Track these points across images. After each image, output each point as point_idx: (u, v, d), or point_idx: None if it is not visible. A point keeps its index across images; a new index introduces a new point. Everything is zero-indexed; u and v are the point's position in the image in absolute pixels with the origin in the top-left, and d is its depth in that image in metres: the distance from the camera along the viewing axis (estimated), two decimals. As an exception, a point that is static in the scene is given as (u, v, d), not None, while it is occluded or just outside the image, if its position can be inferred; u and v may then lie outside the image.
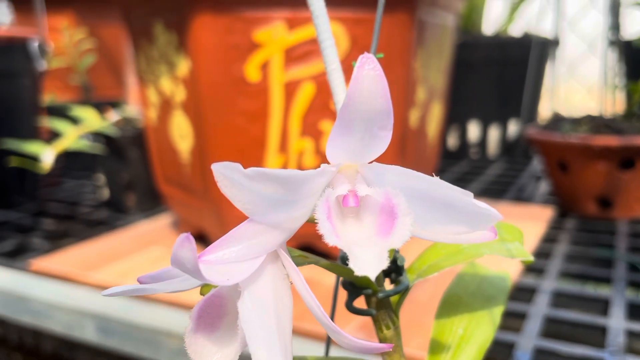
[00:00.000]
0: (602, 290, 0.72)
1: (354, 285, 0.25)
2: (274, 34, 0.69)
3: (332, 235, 0.18)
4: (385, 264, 0.18)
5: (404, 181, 0.20)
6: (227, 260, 0.19)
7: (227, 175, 0.18)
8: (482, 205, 0.19)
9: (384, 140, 0.19)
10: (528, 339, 0.59)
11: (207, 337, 0.20)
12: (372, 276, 0.17)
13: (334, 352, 0.30)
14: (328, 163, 0.21)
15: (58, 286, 0.76)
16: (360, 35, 0.70)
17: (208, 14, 0.68)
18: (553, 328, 0.63)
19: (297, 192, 0.19)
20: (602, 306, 0.68)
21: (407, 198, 0.19)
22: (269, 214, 0.19)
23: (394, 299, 0.26)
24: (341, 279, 0.26)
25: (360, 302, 0.27)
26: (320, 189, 0.20)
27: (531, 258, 0.27)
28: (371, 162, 0.20)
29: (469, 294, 0.29)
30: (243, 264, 0.19)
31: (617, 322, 0.62)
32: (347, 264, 0.21)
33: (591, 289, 0.73)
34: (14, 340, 0.78)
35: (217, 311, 0.21)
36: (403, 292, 0.25)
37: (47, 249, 0.88)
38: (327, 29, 0.24)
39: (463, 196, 0.19)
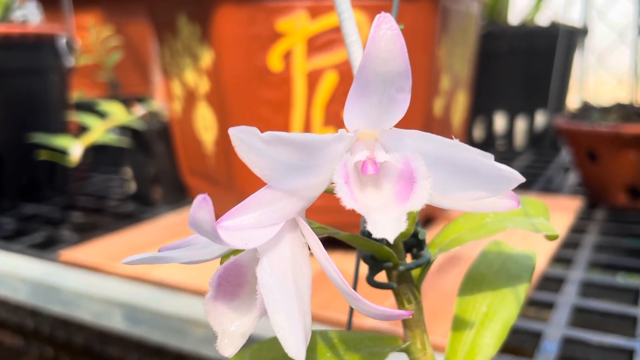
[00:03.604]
0: (632, 280, 0.70)
1: (375, 259, 0.25)
2: (296, 23, 0.69)
3: (349, 199, 0.18)
4: (403, 226, 0.18)
5: (423, 145, 0.20)
6: (245, 226, 0.19)
7: (244, 140, 0.18)
8: (503, 167, 0.19)
9: (402, 104, 0.19)
10: (556, 329, 0.58)
11: (226, 304, 0.20)
12: (391, 239, 0.17)
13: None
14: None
15: (86, 276, 0.77)
16: (383, 23, 0.69)
17: (230, 4, 0.68)
18: (582, 318, 0.62)
19: (314, 158, 0.19)
20: (633, 296, 0.67)
21: (426, 163, 0.19)
22: (287, 180, 0.19)
23: (415, 273, 0.25)
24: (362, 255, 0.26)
25: (382, 279, 0.26)
26: (339, 156, 0.20)
27: (556, 232, 0.26)
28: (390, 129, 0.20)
29: (493, 272, 0.29)
30: (261, 230, 0.19)
31: (648, 312, 0.61)
32: (369, 237, 0.20)
33: (621, 279, 0.71)
34: (45, 333, 0.79)
35: (236, 279, 0.21)
36: (425, 265, 0.25)
37: (76, 240, 0.89)
38: (345, 0, 0.24)
39: (483, 158, 0.19)
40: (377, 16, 0.17)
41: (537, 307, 0.65)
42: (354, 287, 0.29)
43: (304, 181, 0.20)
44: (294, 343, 0.18)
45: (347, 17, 0.25)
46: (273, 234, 0.20)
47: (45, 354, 0.80)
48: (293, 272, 0.20)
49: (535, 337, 0.58)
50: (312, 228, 0.23)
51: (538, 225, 0.26)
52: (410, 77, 0.18)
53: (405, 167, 0.19)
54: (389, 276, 0.25)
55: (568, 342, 0.56)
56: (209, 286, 0.20)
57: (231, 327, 0.20)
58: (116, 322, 0.71)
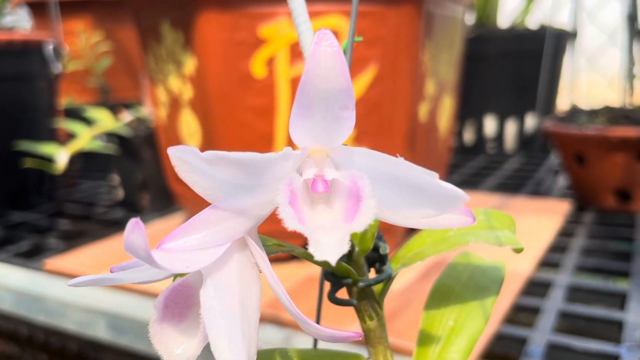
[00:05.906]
0: (619, 284, 0.70)
1: (335, 276, 0.24)
2: (279, 29, 0.68)
3: (292, 220, 0.18)
4: (345, 248, 0.17)
5: (370, 163, 0.19)
6: (189, 248, 0.19)
7: (185, 160, 0.17)
8: (447, 186, 0.18)
9: (347, 121, 0.19)
10: (541, 334, 0.58)
11: (174, 326, 0.20)
12: (332, 261, 0.17)
13: (322, 345, 0.29)
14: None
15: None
16: (366, 28, 0.69)
17: (213, 11, 0.68)
18: (568, 323, 0.62)
19: (260, 177, 0.19)
20: (620, 300, 0.66)
21: (374, 181, 0.18)
22: (232, 199, 0.19)
23: (377, 288, 0.25)
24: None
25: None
26: (287, 174, 0.19)
27: (521, 246, 0.26)
28: (339, 146, 0.20)
29: (461, 284, 0.28)
30: (205, 252, 0.19)
31: (635, 317, 0.60)
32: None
33: (609, 283, 0.71)
34: (39, 340, 0.78)
35: (184, 301, 0.20)
36: (386, 281, 0.25)
37: (63, 248, 0.88)
38: (303, 12, 0.24)
39: (427, 177, 0.18)
40: (317, 33, 0.17)
41: (522, 313, 0.65)
42: (319, 304, 0.29)
43: (251, 200, 0.19)
44: (235, 369, 0.17)
45: (305, 29, 0.24)
46: (218, 255, 0.19)
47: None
48: (240, 293, 0.19)
49: (521, 343, 0.57)
50: (267, 245, 0.22)
51: (502, 239, 0.26)
52: (353, 95, 0.18)
53: (352, 185, 0.19)
54: (349, 292, 0.25)
55: (553, 348, 0.56)
56: (154, 309, 0.20)
57: (177, 351, 0.19)
58: (101, 332, 0.70)
